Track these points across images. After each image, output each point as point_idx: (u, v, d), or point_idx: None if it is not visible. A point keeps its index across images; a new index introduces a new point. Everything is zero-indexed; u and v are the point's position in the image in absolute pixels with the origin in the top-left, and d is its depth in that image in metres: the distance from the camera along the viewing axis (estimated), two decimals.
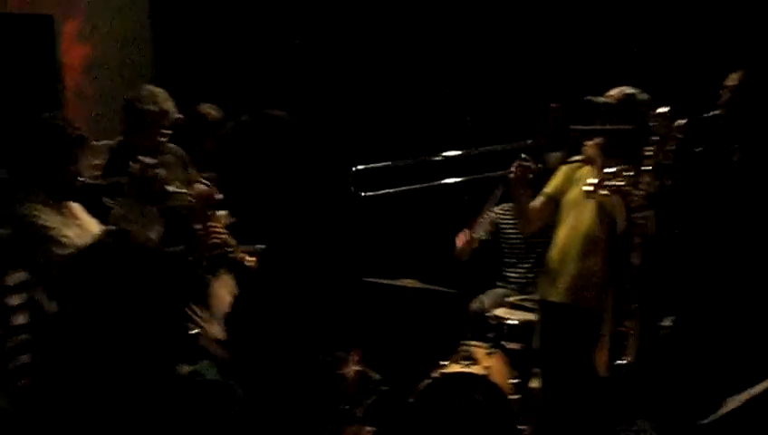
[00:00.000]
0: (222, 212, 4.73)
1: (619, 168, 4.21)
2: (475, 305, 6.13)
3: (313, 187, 3.01)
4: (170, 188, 4.10)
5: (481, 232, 6.24)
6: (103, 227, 3.84)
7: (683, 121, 4.30)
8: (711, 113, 4.48)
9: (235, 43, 6.97)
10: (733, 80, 4.56)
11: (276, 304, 3.09)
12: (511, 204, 6.27)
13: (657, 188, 4.11)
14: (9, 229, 3.66)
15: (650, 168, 4.08)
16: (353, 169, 4.62)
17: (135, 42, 6.75)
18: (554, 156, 4.70)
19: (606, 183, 4.21)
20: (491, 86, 6.75)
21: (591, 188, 4.26)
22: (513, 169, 4.69)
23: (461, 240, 5.98)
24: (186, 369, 3.96)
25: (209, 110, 5.58)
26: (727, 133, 4.34)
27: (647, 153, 4.11)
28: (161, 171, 4.08)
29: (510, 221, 6.31)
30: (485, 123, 6.45)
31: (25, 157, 3.91)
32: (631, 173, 4.14)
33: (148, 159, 4.07)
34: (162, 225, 4.09)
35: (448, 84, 6.81)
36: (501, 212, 6.39)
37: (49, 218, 3.76)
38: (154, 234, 3.91)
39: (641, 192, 4.08)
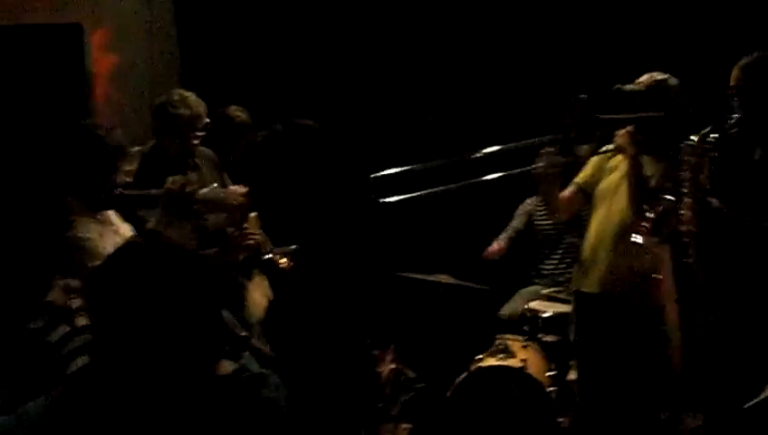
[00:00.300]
0: (252, 214, 4.77)
1: (656, 210, 4.17)
2: (506, 311, 6.12)
3: (340, 191, 3.03)
4: (203, 191, 4.13)
5: (517, 224, 6.28)
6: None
7: (713, 136, 4.17)
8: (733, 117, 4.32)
9: (260, 50, 6.98)
10: (735, 78, 4.24)
11: (314, 303, 3.11)
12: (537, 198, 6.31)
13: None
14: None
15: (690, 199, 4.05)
16: (371, 176, 4.62)
17: (162, 49, 6.78)
18: (585, 148, 4.66)
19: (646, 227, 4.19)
20: (517, 81, 6.72)
21: (641, 241, 4.22)
22: (539, 162, 4.67)
23: (494, 249, 6.06)
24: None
25: (237, 112, 5.61)
26: (745, 132, 4.23)
27: (683, 186, 4.07)
28: (196, 187, 4.11)
29: (543, 213, 6.31)
30: (514, 119, 6.42)
31: (65, 166, 3.91)
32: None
33: (180, 178, 4.10)
34: (196, 240, 4.12)
35: (470, 81, 6.79)
36: (535, 203, 6.39)
37: (86, 229, 3.76)
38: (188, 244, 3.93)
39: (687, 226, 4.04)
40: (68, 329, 3.02)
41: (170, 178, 4.05)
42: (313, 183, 2.84)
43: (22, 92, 4.30)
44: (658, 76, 4.53)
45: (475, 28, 6.84)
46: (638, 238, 4.19)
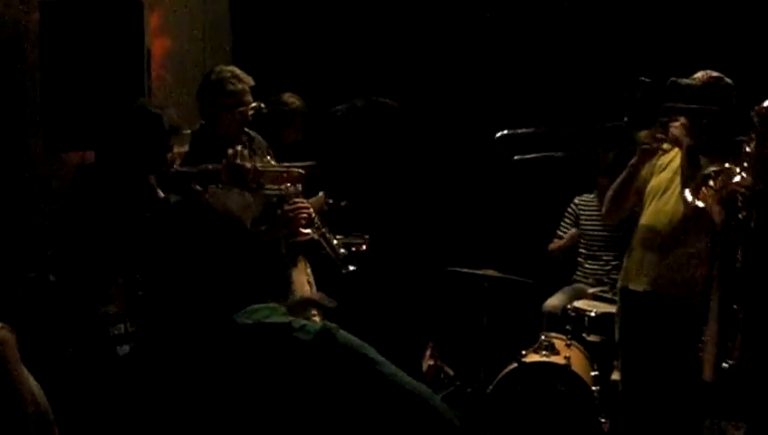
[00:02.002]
0: (318, 196, 4.79)
1: (716, 167, 4.13)
2: (549, 306, 6.10)
3: (414, 174, 3.01)
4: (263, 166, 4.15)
5: (568, 228, 6.30)
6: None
7: None
8: None
9: (314, 34, 6.98)
10: None
11: (383, 292, 3.10)
12: (591, 195, 6.29)
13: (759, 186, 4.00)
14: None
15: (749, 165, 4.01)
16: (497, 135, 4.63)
17: (214, 35, 6.81)
18: (643, 133, 4.63)
19: (705, 186, 4.13)
20: (576, 68, 6.69)
21: (690, 197, 4.19)
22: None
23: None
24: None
25: (291, 99, 5.62)
26: None
27: (747, 150, 4.03)
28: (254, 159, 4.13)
29: (589, 213, 6.29)
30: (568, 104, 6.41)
31: (121, 143, 3.95)
32: (734, 174, 4.06)
33: (240, 148, 4.12)
34: (258, 209, 4.14)
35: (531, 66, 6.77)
36: (581, 203, 6.38)
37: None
38: (245, 215, 3.93)
39: (743, 190, 3.99)
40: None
41: (230, 150, 4.08)
42: (391, 164, 2.81)
43: (83, 65, 4.32)
44: (714, 74, 4.53)
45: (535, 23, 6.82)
46: (688, 195, 4.15)
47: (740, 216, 3.99)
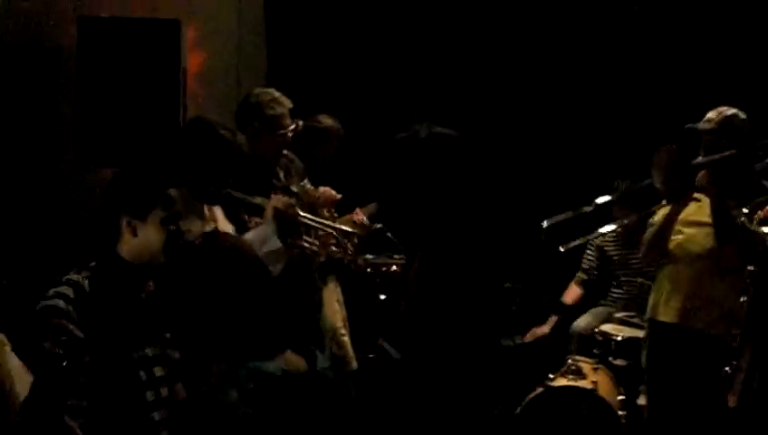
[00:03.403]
0: (347, 217, 4.81)
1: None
2: (578, 327, 6.09)
3: (470, 205, 3.01)
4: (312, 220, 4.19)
5: (590, 262, 6.31)
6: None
7: None
8: None
9: (349, 51, 6.98)
10: None
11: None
12: (611, 226, 6.31)
13: None
14: None
15: None
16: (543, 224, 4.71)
17: (249, 48, 6.84)
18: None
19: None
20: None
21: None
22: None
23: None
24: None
25: (327, 119, 5.64)
26: None
27: None
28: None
29: (613, 243, 6.31)
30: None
31: (187, 159, 3.94)
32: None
33: (291, 200, 4.14)
34: (285, 261, 4.14)
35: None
36: (606, 238, 6.39)
37: (190, 223, 3.78)
38: (275, 270, 3.94)
39: None
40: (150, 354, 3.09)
41: (281, 197, 4.09)
42: (446, 194, 2.81)
43: (119, 82, 4.36)
44: (728, 112, 4.60)
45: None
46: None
47: None
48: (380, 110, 6.56)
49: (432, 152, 2.81)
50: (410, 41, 6.95)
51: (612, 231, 6.28)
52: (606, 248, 6.38)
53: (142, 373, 3.01)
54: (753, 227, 4.14)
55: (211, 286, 2.33)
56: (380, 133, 4.49)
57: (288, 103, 4.70)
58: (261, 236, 3.99)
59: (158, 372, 3.06)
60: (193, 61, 5.97)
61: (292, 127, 4.70)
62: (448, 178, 2.80)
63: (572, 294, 6.45)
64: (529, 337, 6.22)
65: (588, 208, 5.04)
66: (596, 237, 6.20)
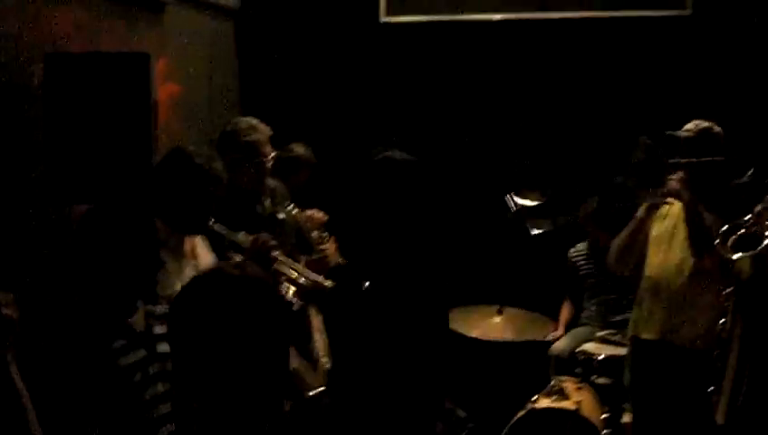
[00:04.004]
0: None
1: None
2: (555, 350, 6.09)
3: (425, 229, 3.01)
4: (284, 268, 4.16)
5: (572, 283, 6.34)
6: None
7: None
8: None
9: (322, 81, 7.02)
10: None
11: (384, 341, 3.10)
12: (582, 244, 6.33)
13: None
14: None
15: None
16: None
17: (222, 79, 6.84)
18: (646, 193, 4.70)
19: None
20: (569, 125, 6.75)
21: (728, 254, 4.18)
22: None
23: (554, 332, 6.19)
24: None
25: (299, 148, 5.65)
26: None
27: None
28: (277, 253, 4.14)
29: (585, 260, 6.33)
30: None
31: (163, 190, 3.91)
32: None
33: (270, 237, 4.11)
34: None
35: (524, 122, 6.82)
36: (576, 254, 6.42)
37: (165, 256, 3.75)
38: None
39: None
40: (145, 354, 3.03)
41: (262, 234, 4.06)
42: (396, 217, 2.81)
43: (87, 118, 4.32)
44: (704, 124, 4.68)
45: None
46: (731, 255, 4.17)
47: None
48: (352, 139, 6.58)
49: (384, 177, 2.81)
50: (378, 68, 7.02)
51: (583, 249, 6.33)
52: (579, 267, 6.39)
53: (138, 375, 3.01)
54: (726, 253, 4.14)
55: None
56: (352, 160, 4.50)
57: (266, 131, 4.68)
58: None
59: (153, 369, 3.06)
60: (165, 90, 5.95)
61: (273, 155, 4.69)
62: (399, 201, 2.79)
63: (565, 313, 6.47)
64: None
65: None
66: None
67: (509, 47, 6.80)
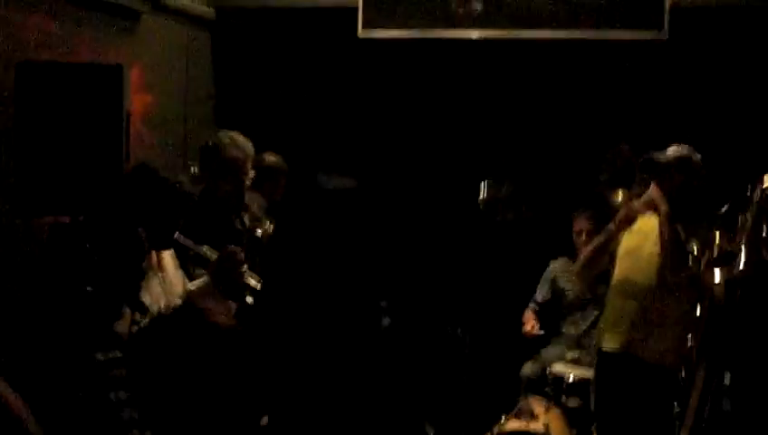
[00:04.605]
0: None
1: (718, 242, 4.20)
2: (527, 370, 6.07)
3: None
4: (252, 282, 4.13)
5: (543, 294, 6.28)
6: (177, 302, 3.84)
7: None
8: None
9: (296, 93, 7.01)
10: None
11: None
12: (566, 258, 6.30)
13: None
14: None
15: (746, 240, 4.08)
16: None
17: (197, 90, 6.80)
18: (620, 197, 4.73)
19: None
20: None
21: (717, 279, 4.22)
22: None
23: (529, 324, 6.10)
24: None
25: (272, 158, 5.63)
26: None
27: (745, 224, 4.11)
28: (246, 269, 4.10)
29: (567, 277, 6.29)
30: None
31: (132, 205, 3.89)
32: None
33: (238, 250, 4.07)
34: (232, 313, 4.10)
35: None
36: (557, 267, 6.38)
37: None
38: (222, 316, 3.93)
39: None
40: (119, 355, 3.02)
41: (229, 248, 4.02)
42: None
43: (58, 128, 4.27)
44: (684, 151, 4.74)
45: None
46: (717, 275, 4.20)
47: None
48: (328, 154, 6.59)
49: (328, 203, 2.81)
50: (355, 82, 7.03)
51: (566, 264, 6.30)
52: (560, 282, 6.35)
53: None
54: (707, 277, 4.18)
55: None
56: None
57: (249, 149, 4.63)
58: (202, 289, 3.93)
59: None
60: (139, 100, 5.90)
61: (252, 175, 4.66)
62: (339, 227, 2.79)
63: (531, 322, 6.36)
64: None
65: None
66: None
67: (487, 65, 6.80)
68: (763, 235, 4.04)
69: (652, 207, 4.65)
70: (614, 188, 4.76)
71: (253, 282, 4.15)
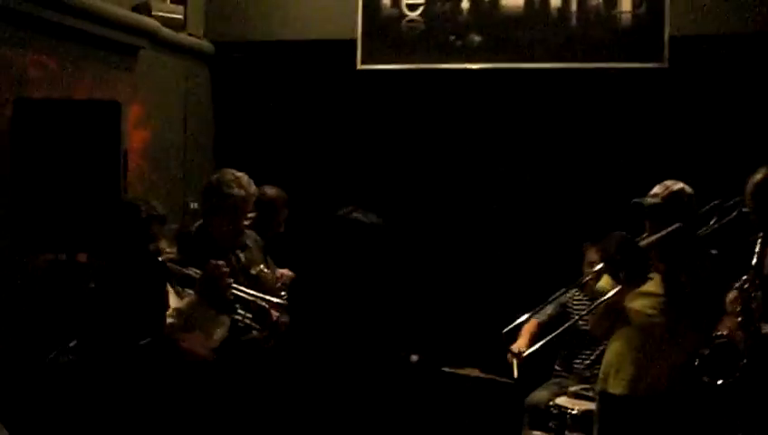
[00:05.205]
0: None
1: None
2: (532, 400, 6.00)
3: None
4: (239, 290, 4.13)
5: (551, 310, 6.13)
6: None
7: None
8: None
9: (297, 128, 7.02)
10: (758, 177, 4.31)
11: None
12: (580, 292, 6.21)
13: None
14: None
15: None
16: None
17: (196, 123, 6.80)
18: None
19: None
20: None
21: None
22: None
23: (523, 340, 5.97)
24: None
25: (272, 191, 5.62)
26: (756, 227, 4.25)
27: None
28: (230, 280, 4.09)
29: (579, 309, 6.18)
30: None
31: (105, 236, 3.89)
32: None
33: (222, 263, 4.06)
34: (227, 327, 4.09)
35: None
36: (573, 298, 6.26)
37: None
38: (215, 336, 3.93)
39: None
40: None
41: (212, 262, 4.01)
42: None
43: (56, 166, 4.28)
44: (674, 187, 4.59)
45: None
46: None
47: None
48: (326, 188, 6.57)
49: (350, 239, 2.77)
50: (354, 115, 7.04)
51: (581, 297, 6.19)
52: (570, 311, 6.23)
53: None
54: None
55: None
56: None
57: (251, 189, 4.63)
58: (191, 307, 3.93)
59: None
60: (138, 136, 5.90)
61: (251, 215, 4.65)
62: (362, 264, 2.75)
63: (530, 328, 6.08)
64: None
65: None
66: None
67: (487, 97, 6.80)
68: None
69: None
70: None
71: (239, 293, 4.15)
